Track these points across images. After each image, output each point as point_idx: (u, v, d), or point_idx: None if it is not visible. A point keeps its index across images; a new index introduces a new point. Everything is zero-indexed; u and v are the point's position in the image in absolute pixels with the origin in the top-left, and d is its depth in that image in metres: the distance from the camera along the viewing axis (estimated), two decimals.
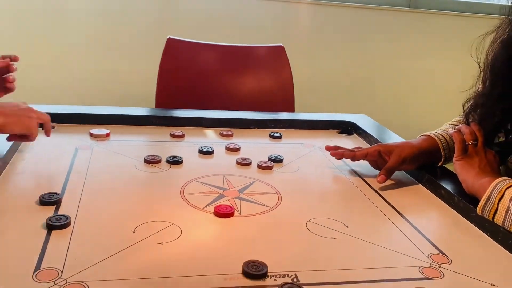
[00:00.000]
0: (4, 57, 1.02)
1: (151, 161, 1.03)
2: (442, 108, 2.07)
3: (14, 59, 1.02)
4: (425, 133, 1.09)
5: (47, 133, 1.02)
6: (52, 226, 0.74)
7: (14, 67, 1.02)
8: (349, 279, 0.69)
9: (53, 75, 2.31)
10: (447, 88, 2.27)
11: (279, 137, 1.28)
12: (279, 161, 1.10)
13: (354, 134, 1.36)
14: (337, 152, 1.08)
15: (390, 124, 1.50)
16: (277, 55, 1.72)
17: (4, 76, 1.02)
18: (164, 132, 1.24)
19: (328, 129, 1.37)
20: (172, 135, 1.19)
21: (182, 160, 1.05)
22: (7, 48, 2.19)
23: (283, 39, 1.90)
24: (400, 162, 1.03)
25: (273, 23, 2.51)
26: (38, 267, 0.64)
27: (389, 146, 1.06)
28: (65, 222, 0.75)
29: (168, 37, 1.66)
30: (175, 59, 1.67)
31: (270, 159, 1.10)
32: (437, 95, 2.72)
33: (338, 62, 2.62)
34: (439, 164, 1.07)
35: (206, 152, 1.11)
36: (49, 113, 1.20)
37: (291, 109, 1.71)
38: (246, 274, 0.67)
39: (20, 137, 0.97)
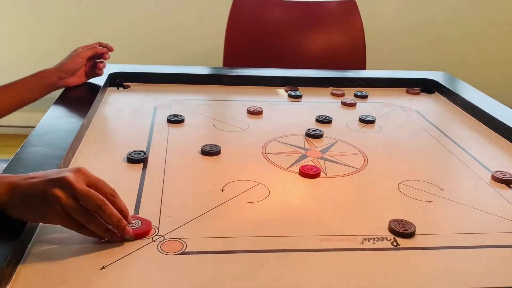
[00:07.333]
0: (101, 44, 1.11)
1: (253, 111, 1.07)
2: None
3: (110, 49, 1.11)
4: None
5: (104, 57, 1.10)
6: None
7: (108, 56, 1.10)
8: (451, 244, 0.65)
9: (118, 36, 2.32)
10: None
11: (365, 97, 1.22)
12: (372, 121, 1.06)
13: (436, 93, 1.28)
14: None
15: (471, 83, 1.40)
16: (349, 10, 1.64)
17: (97, 61, 1.11)
18: (236, 92, 1.22)
19: (406, 87, 1.29)
20: (250, 112, 1.08)
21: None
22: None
23: None
24: None
25: None
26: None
27: None
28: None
29: None
30: (242, 16, 1.63)
31: (361, 120, 1.06)
32: None
33: (414, 16, 2.46)
34: None
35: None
36: (121, 72, 1.21)
37: (362, 67, 1.63)
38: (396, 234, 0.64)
39: (92, 64, 1.10)
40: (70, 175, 0.56)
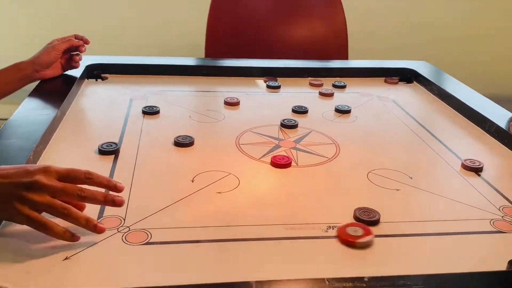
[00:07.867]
0: (77, 37, 1.11)
1: (230, 102, 1.07)
2: None
3: (85, 41, 1.11)
4: None
5: (80, 50, 1.10)
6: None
7: (84, 49, 1.10)
8: (417, 232, 0.65)
9: (99, 28, 2.30)
10: None
11: (343, 87, 1.23)
12: (347, 111, 1.06)
13: (414, 82, 1.29)
14: None
15: (453, 72, 1.40)
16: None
17: (73, 53, 1.11)
18: (215, 82, 1.22)
19: (385, 77, 1.30)
20: (227, 102, 1.08)
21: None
22: None
23: None
24: None
25: None
26: (101, 215, 0.65)
27: None
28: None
29: None
30: (224, 7, 1.62)
31: (337, 110, 1.07)
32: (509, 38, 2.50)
33: (395, 4, 2.45)
34: None
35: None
36: (99, 64, 1.21)
37: (344, 57, 1.64)
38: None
39: (68, 57, 1.11)
40: (42, 178, 0.56)
